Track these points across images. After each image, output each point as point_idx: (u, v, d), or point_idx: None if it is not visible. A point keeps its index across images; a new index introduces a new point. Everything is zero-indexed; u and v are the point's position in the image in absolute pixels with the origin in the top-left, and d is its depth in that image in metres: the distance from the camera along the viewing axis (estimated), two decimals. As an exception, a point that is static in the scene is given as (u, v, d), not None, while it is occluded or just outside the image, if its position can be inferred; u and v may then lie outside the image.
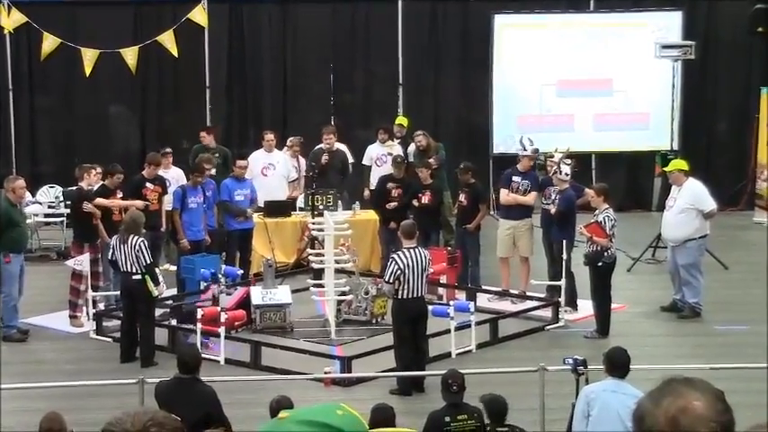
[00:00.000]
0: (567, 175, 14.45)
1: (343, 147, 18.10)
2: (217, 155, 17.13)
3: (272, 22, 21.57)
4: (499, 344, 13.42)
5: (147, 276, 12.70)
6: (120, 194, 14.70)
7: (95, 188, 14.71)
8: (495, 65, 21.08)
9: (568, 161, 14.70)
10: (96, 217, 14.31)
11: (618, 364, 8.43)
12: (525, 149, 15.32)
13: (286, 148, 17.95)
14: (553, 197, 14.52)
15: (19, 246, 14.06)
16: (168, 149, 16.68)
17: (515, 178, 15.16)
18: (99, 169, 15.01)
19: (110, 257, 13.13)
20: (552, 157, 14.87)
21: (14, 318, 13.84)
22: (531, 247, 15.06)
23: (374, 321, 13.93)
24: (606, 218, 13.50)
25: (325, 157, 17.32)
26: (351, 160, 18.04)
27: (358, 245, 15.86)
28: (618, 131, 21.29)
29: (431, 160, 16.75)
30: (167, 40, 20.63)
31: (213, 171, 15.93)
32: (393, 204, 15.71)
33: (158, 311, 13.64)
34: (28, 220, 16.77)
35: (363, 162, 18.11)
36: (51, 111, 21.44)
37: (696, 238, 14.41)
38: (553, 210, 14.34)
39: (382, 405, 8.53)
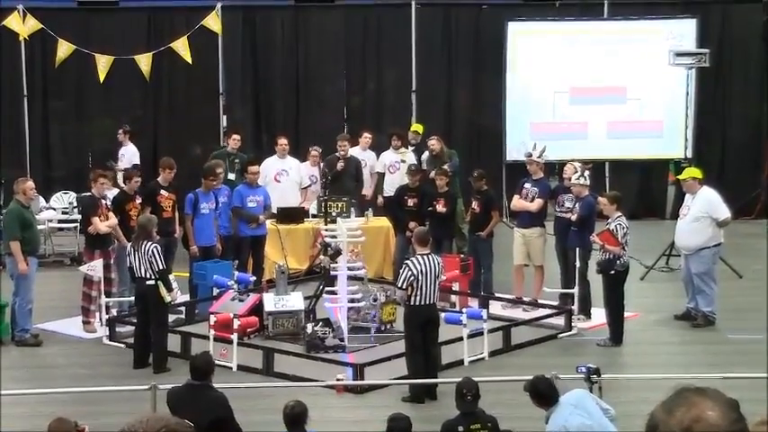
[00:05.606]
0: (585, 179, 14.44)
1: (371, 154, 18.25)
2: (237, 161, 17.17)
3: (285, 28, 21.62)
4: (512, 351, 13.39)
5: (159, 282, 12.71)
6: (138, 200, 14.71)
7: (115, 194, 14.79)
8: (508, 72, 21.11)
9: (588, 171, 14.74)
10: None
11: (551, 394, 8.33)
12: (531, 155, 15.33)
13: (309, 156, 17.84)
14: (568, 204, 14.50)
15: (34, 247, 14.06)
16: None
17: (527, 185, 15.18)
18: (110, 178, 15.13)
19: (128, 264, 13.17)
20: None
21: (28, 322, 13.81)
22: (543, 254, 15.05)
23: (383, 328, 13.86)
24: (618, 225, 13.47)
25: (340, 164, 17.35)
26: (377, 170, 18.08)
27: (371, 252, 15.87)
28: (631, 139, 21.27)
29: (445, 166, 16.73)
30: (181, 46, 20.68)
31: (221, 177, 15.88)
32: (414, 224, 14.70)
33: (171, 317, 13.67)
34: (42, 226, 16.86)
35: (377, 169, 18.12)
36: (65, 117, 21.53)
37: (710, 247, 14.38)
38: (573, 217, 14.30)
39: (399, 415, 8.50)
